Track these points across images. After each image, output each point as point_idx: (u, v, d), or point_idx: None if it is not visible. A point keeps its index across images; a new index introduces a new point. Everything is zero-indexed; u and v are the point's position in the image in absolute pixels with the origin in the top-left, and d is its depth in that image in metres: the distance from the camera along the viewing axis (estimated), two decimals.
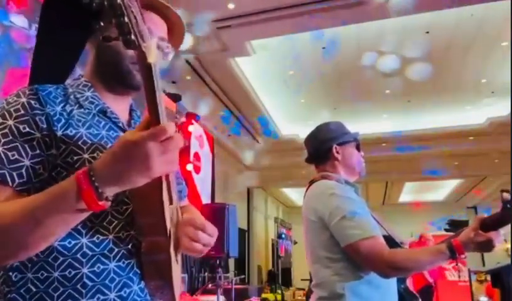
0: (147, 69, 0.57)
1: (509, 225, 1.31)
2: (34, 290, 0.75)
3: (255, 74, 7.13)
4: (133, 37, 0.50)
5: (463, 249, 1.31)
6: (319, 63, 6.66)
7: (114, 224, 0.80)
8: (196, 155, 5.70)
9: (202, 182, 5.85)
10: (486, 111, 8.43)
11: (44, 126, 0.77)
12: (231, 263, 9.01)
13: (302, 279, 11.19)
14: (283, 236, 12.89)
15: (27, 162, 0.75)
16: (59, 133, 0.78)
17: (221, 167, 8.70)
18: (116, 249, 0.80)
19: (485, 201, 13.66)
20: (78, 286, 0.75)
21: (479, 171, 10.78)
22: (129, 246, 0.81)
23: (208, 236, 0.86)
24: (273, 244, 13.34)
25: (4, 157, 0.73)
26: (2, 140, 0.75)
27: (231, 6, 5.09)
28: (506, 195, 1.27)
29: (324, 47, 6.24)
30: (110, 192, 0.64)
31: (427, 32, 5.85)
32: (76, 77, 0.93)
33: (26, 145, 0.76)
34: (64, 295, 0.75)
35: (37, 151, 0.76)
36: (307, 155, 1.82)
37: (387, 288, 1.50)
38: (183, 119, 5.52)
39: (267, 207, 14.25)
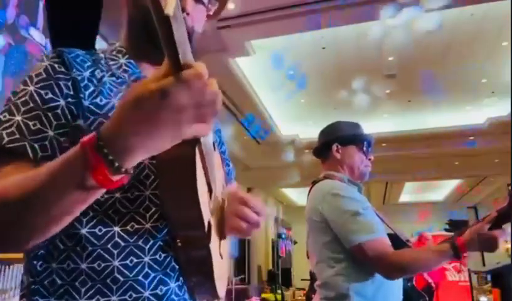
0: (163, 24, 0.43)
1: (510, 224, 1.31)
2: (59, 282, 0.65)
3: (255, 74, 7.12)
4: None
5: (466, 248, 1.30)
6: (319, 63, 6.66)
7: (152, 211, 0.68)
8: None
9: None
10: (486, 111, 8.42)
11: (70, 92, 0.67)
12: (231, 263, 9.01)
13: (302, 280, 11.16)
14: (283, 236, 12.89)
15: (51, 133, 0.65)
16: (86, 102, 0.68)
17: None
18: (152, 241, 0.68)
19: (485, 201, 13.65)
20: (108, 280, 0.65)
21: (479, 171, 10.77)
22: (167, 238, 0.69)
23: (254, 213, 0.73)
24: (273, 244, 13.34)
25: (24, 127, 0.63)
26: (22, 109, 0.65)
27: (231, 6, 5.08)
28: None
29: (324, 48, 6.24)
30: (129, 162, 0.48)
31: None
32: (110, 43, 0.82)
33: (49, 114, 0.65)
34: (93, 290, 0.64)
35: (63, 121, 0.66)
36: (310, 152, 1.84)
37: (392, 289, 1.50)
38: None
39: (267, 207, 14.24)
